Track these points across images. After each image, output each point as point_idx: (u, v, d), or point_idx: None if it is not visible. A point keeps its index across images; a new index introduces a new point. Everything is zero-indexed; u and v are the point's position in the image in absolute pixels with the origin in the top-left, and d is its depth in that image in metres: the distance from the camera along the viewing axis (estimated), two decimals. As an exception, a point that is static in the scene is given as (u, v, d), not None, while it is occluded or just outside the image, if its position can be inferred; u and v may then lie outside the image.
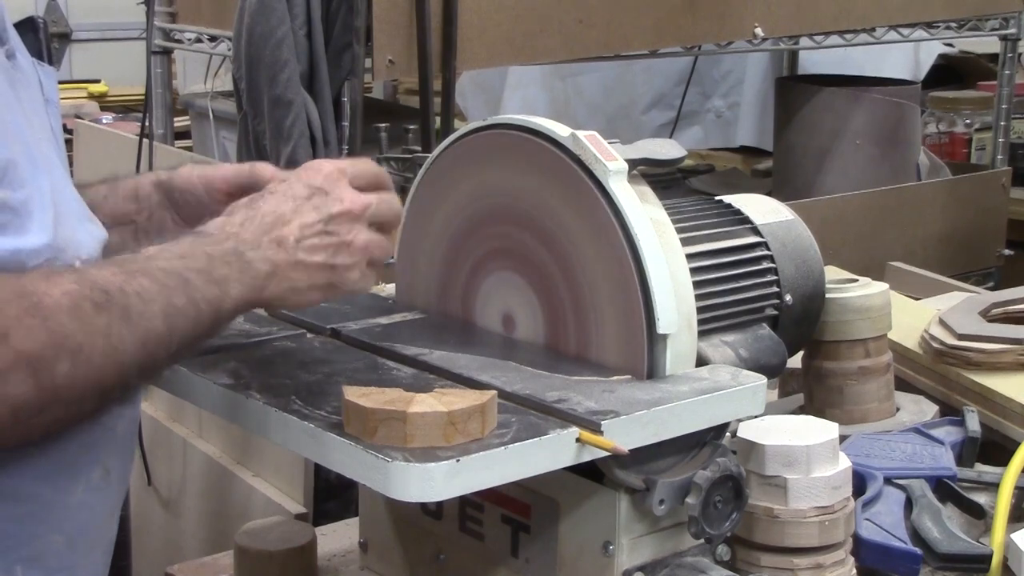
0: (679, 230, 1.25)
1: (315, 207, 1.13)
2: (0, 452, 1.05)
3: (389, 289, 1.46)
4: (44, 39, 1.14)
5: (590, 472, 1.14)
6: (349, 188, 1.15)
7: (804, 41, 2.91)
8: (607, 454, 1.08)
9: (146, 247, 1.07)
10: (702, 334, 1.25)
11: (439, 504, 1.29)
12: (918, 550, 1.29)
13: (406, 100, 3.99)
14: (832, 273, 1.59)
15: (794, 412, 1.57)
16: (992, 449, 1.55)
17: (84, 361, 0.98)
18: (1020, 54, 3.32)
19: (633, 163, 1.22)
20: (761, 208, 1.48)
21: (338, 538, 1.48)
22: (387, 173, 1.21)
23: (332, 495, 1.99)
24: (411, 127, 2.26)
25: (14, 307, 0.96)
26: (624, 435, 1.08)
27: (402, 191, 2.19)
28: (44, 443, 1.06)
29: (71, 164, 2.98)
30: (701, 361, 1.24)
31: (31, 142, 1.09)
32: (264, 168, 1.29)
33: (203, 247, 1.08)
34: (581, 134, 1.21)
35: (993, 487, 1.40)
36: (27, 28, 1.06)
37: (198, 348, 1.09)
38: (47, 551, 1.10)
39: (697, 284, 1.25)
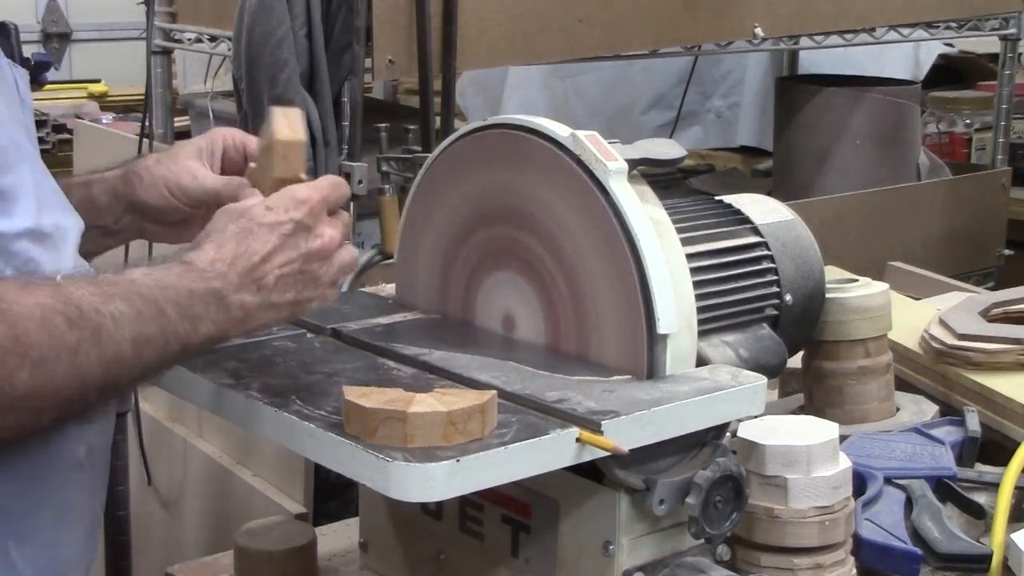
0: (679, 230, 1.25)
1: (295, 246, 1.14)
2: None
3: (389, 289, 1.46)
4: (16, 43, 1.17)
5: (590, 472, 1.14)
6: (329, 223, 1.16)
7: (804, 41, 2.91)
8: (607, 454, 1.08)
9: (132, 267, 1.08)
10: (702, 334, 1.25)
11: (439, 504, 1.29)
12: (918, 550, 1.29)
13: (406, 100, 3.99)
14: (832, 273, 1.59)
15: (794, 412, 1.57)
16: (992, 449, 1.55)
17: (46, 374, 0.98)
18: (1020, 54, 3.32)
19: (633, 163, 1.22)
20: (761, 208, 1.48)
21: (338, 538, 1.48)
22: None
23: (332, 495, 1.99)
24: (411, 127, 2.25)
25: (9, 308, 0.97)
26: (624, 435, 1.08)
27: (402, 191, 2.20)
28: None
29: (71, 164, 2.99)
30: (701, 361, 1.24)
31: (12, 133, 1.11)
32: (246, 190, 1.25)
33: (188, 283, 1.09)
34: (581, 134, 1.21)
35: (993, 487, 1.40)
36: (-1, 33, 1.09)
37: (159, 377, 1.11)
38: (36, 526, 1.12)
39: (697, 284, 1.25)
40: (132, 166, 1.32)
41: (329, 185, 1.17)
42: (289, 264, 1.13)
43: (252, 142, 1.31)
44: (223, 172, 1.31)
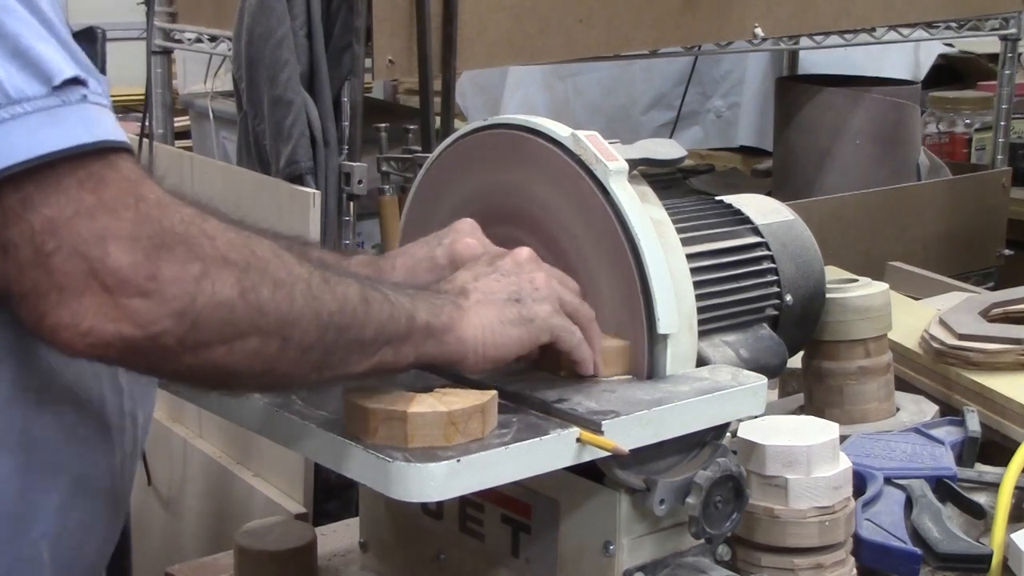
0: (679, 230, 1.25)
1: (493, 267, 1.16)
2: (60, 423, 1.06)
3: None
4: (101, 49, 1.12)
5: (590, 472, 1.14)
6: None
7: (804, 41, 2.91)
8: (607, 454, 1.08)
9: None
10: (702, 334, 1.25)
11: (439, 504, 1.29)
12: (918, 550, 1.29)
13: (406, 100, 3.99)
14: (832, 273, 1.59)
15: (794, 412, 1.57)
16: (992, 449, 1.55)
17: (286, 296, 0.96)
18: (1020, 54, 3.32)
19: (633, 163, 1.22)
20: (761, 208, 1.48)
21: (338, 538, 1.48)
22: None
23: (332, 495, 1.99)
24: (411, 127, 2.26)
25: (219, 221, 0.96)
26: (624, 435, 1.08)
27: (402, 191, 2.20)
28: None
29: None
30: (701, 361, 1.24)
31: None
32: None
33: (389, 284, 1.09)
34: (581, 134, 1.21)
35: (993, 487, 1.40)
36: (84, 38, 1.06)
37: (401, 357, 1.05)
38: (65, 529, 1.10)
39: (697, 284, 1.25)
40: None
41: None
42: (485, 274, 1.14)
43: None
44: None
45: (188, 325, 0.92)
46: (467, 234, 1.24)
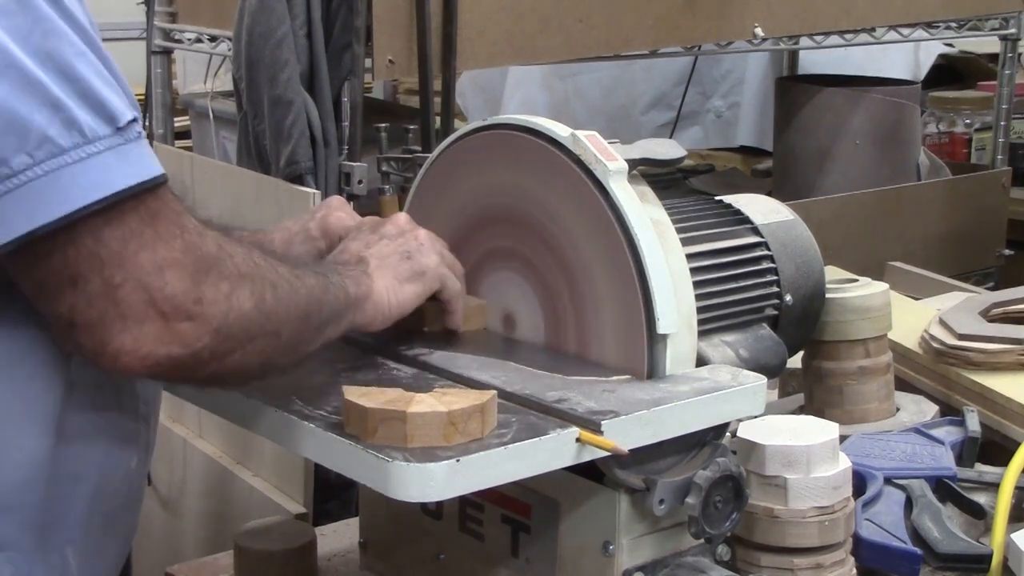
0: (679, 230, 1.25)
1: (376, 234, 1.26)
2: (74, 429, 1.09)
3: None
4: None
5: (590, 472, 1.14)
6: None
7: (804, 41, 2.91)
8: (607, 454, 1.08)
9: None
10: (702, 334, 1.25)
11: (439, 504, 1.29)
12: (918, 550, 1.29)
13: (406, 100, 3.99)
14: (832, 273, 1.59)
15: (794, 412, 1.57)
16: (992, 449, 1.55)
17: (282, 296, 1.05)
18: (1020, 54, 3.32)
19: (633, 163, 1.22)
20: (761, 208, 1.48)
21: (338, 538, 1.48)
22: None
23: (332, 495, 1.99)
24: (411, 127, 2.26)
25: (226, 239, 1.04)
26: (624, 435, 1.08)
27: (402, 191, 2.20)
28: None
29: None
30: (701, 361, 1.24)
31: None
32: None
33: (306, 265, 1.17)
34: (581, 134, 1.21)
35: (993, 487, 1.40)
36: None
37: (339, 330, 1.14)
38: (88, 533, 1.13)
39: (697, 284, 1.25)
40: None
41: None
42: (372, 241, 1.23)
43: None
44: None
45: (221, 339, 1.00)
46: (337, 209, 1.33)
